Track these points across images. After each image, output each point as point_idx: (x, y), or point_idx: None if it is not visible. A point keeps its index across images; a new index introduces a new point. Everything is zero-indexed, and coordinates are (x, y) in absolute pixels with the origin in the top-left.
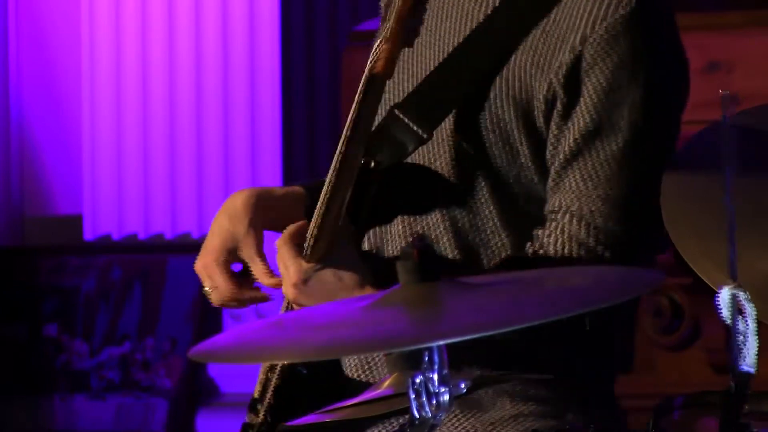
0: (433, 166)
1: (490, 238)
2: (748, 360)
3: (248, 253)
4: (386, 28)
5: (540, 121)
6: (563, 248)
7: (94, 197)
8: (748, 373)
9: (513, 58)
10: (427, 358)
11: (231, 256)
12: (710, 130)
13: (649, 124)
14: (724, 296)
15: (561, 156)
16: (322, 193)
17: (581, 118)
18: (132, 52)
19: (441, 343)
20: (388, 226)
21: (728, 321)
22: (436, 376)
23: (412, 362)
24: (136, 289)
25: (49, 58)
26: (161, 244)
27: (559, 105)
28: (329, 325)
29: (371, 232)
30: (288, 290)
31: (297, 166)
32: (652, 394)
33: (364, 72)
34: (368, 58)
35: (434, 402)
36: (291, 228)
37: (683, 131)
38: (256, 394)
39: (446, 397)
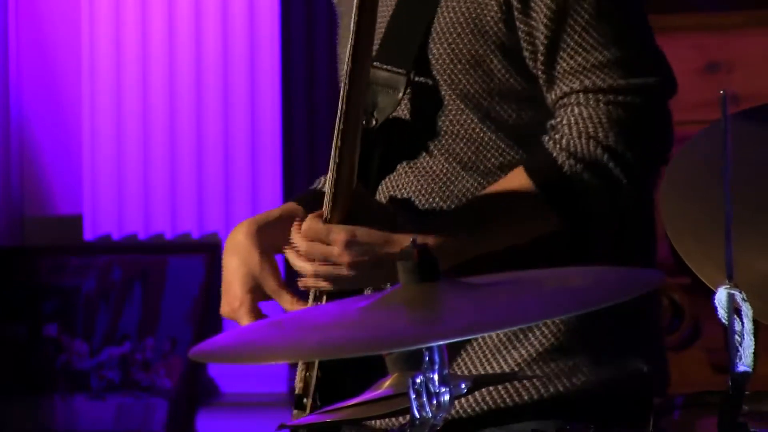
0: (417, 116)
1: (501, 159)
2: (745, 359)
3: (271, 286)
4: None
5: (501, 29)
6: (579, 126)
7: (94, 197)
8: (745, 373)
9: None
10: (427, 358)
11: (255, 294)
12: (710, 130)
13: None
14: (721, 296)
15: (541, 48)
16: (331, 158)
17: (542, 4)
18: (132, 52)
19: (441, 343)
20: (396, 180)
21: (725, 321)
22: (436, 376)
23: (413, 362)
24: (136, 289)
25: (49, 58)
26: (161, 244)
27: (515, 3)
28: (329, 325)
29: (381, 188)
30: (343, 255)
31: (297, 166)
32: None
33: None
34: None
35: (434, 402)
36: (307, 218)
37: (683, 131)
38: (299, 391)
39: (446, 397)
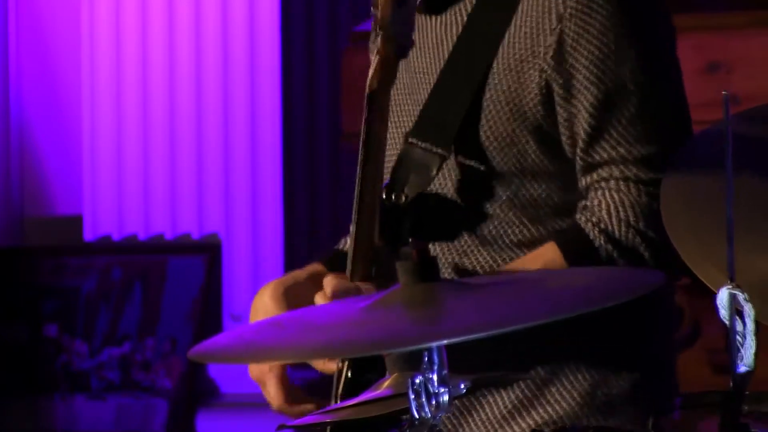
0: (445, 191)
1: (520, 236)
2: (746, 360)
3: None
4: (376, 40)
5: (539, 111)
6: (620, 212)
7: (94, 197)
8: (746, 373)
9: (495, 65)
10: (426, 359)
11: None
12: (710, 130)
13: (656, 70)
14: (723, 296)
15: (582, 134)
16: (352, 218)
17: (587, 92)
18: (132, 52)
19: (441, 343)
20: None
21: (726, 321)
22: (435, 377)
23: (412, 363)
24: (136, 290)
25: (49, 58)
26: (161, 245)
27: (557, 88)
28: (329, 325)
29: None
30: None
31: (297, 166)
32: None
33: (364, 73)
34: (369, 59)
35: (434, 402)
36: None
37: None
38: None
39: (446, 398)
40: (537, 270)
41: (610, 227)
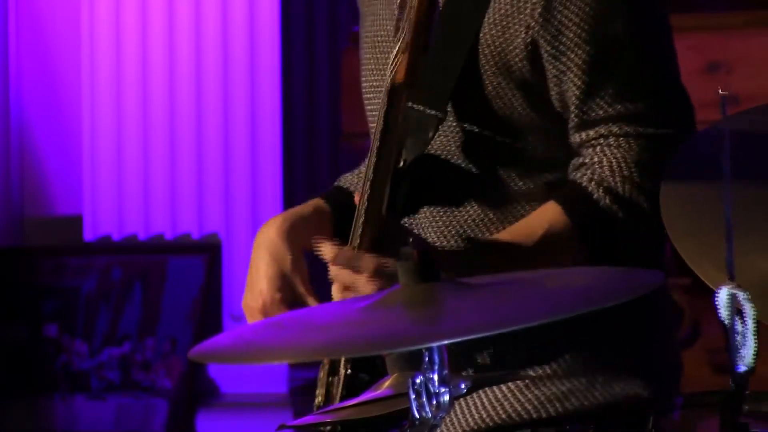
0: (444, 154)
1: (508, 189)
2: (746, 360)
3: (300, 289)
4: (402, 37)
5: (525, 66)
6: (623, 168)
7: (94, 197)
8: (747, 372)
9: (483, 25)
10: (427, 359)
11: (284, 294)
12: (710, 130)
13: (646, 24)
14: (723, 296)
15: (576, 91)
16: (361, 191)
17: (579, 50)
18: (132, 52)
19: (441, 343)
20: (420, 220)
21: (727, 321)
22: (436, 377)
23: (413, 362)
24: (136, 290)
25: (49, 58)
26: (161, 245)
27: (545, 45)
28: (329, 325)
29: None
30: (369, 283)
31: (297, 166)
32: None
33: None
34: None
35: (434, 402)
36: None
37: None
38: (320, 402)
39: (446, 398)
40: (536, 271)
41: (613, 185)
